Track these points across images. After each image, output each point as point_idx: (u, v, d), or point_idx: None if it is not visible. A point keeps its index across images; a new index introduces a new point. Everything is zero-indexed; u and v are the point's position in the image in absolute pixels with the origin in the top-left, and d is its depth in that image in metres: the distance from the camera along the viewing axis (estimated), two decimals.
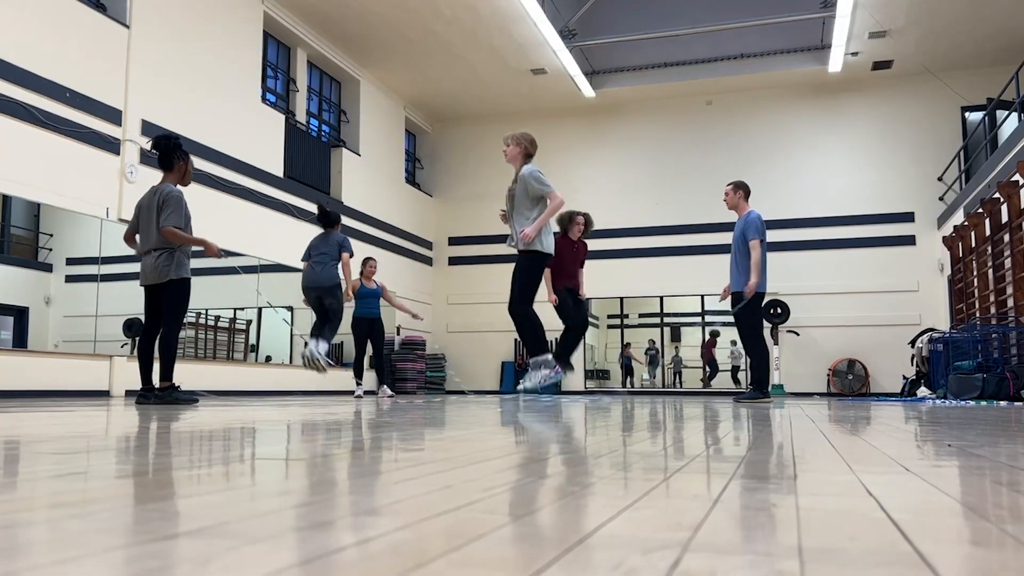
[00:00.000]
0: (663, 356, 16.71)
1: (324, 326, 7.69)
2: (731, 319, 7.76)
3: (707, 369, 17.32)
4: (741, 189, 7.57)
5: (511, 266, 6.27)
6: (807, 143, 14.54)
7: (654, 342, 17.27)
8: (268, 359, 11.53)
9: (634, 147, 15.33)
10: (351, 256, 7.96)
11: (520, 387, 5.87)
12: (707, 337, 16.86)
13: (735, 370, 17.89)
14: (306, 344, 7.61)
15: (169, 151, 5.65)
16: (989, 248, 10.62)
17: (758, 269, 7.19)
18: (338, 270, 7.94)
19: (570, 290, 8.37)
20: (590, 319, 8.60)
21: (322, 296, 7.73)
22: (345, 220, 12.90)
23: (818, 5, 12.32)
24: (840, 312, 13.91)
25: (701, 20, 13.14)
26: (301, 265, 8.01)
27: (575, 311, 8.29)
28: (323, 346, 7.48)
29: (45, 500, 1.00)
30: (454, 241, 16.08)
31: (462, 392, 9.21)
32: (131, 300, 7.54)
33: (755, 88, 14.59)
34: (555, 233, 8.53)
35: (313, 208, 12.09)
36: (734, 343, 17.46)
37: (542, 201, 6.05)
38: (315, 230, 11.94)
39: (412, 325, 14.80)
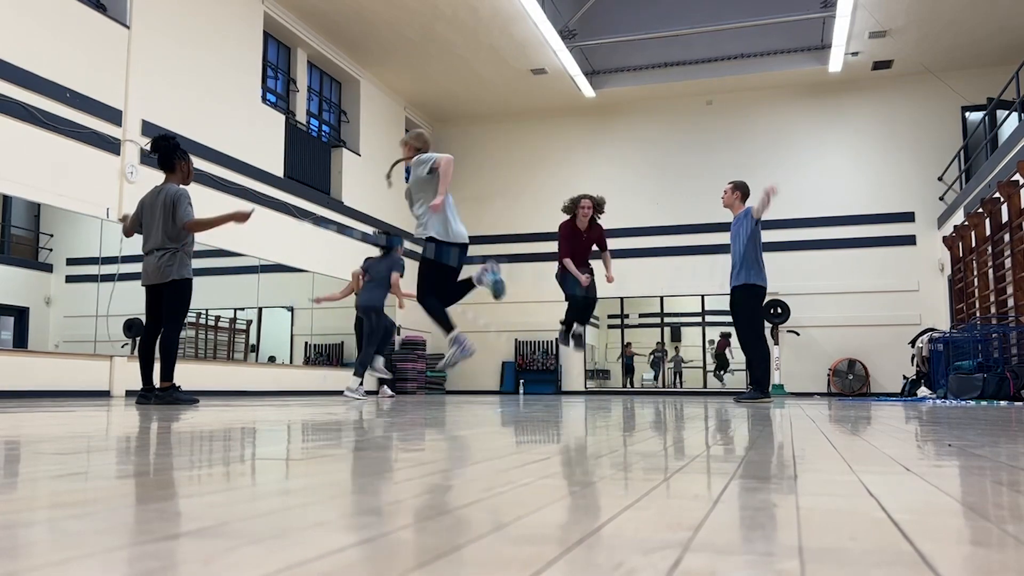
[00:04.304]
0: (664, 356, 16.70)
1: (367, 349, 7.76)
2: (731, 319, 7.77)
3: (716, 362, 17.08)
4: (739, 190, 7.57)
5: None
6: (807, 143, 14.54)
7: (660, 344, 17.25)
8: (272, 359, 11.54)
9: (634, 147, 15.32)
10: (401, 275, 7.97)
11: (439, 365, 5.73)
12: (719, 338, 16.82)
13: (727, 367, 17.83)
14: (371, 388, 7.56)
15: (169, 152, 5.66)
16: (989, 248, 10.61)
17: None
18: (381, 293, 8.05)
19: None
20: (591, 321, 8.52)
21: (363, 317, 7.93)
22: (345, 220, 12.91)
23: (818, 5, 12.31)
24: (840, 312, 13.91)
25: (701, 20, 13.14)
26: (350, 276, 8.09)
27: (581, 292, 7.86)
28: (378, 361, 7.55)
29: (46, 500, 1.00)
30: None
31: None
32: (132, 300, 7.55)
33: (755, 88, 14.59)
34: (562, 222, 8.28)
35: (314, 209, 12.10)
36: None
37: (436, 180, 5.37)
38: (315, 231, 12.04)
39: (412, 325, 14.80)
